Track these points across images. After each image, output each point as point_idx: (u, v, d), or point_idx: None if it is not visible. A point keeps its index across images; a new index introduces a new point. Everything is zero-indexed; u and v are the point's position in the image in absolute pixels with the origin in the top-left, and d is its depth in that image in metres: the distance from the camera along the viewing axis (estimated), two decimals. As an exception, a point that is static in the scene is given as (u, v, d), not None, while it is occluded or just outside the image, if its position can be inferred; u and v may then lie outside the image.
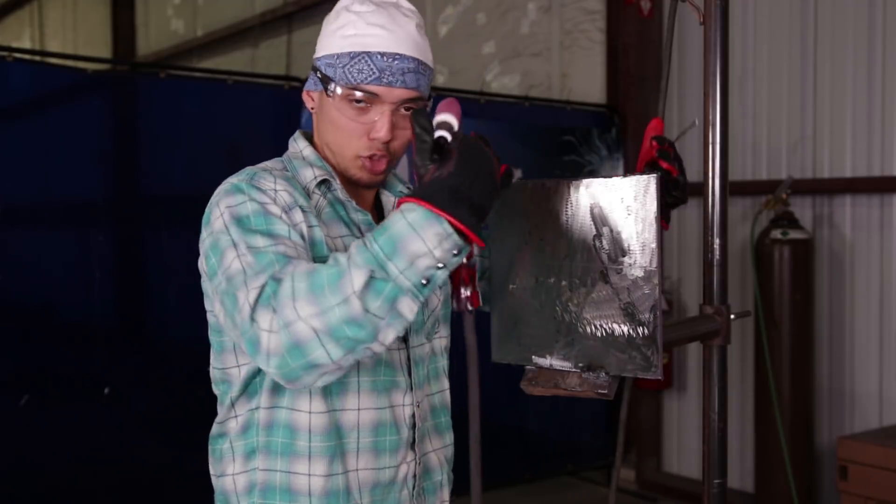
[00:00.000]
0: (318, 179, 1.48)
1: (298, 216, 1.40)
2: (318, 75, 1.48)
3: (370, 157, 1.47)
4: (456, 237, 1.18)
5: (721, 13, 1.65)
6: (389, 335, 1.22)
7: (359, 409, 1.44)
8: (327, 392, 1.43)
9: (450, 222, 1.18)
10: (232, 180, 1.43)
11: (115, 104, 4.00)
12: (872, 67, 4.31)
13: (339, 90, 1.44)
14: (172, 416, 3.84)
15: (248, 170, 1.46)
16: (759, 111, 4.76)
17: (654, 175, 1.33)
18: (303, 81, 4.14)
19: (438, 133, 1.24)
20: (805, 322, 4.27)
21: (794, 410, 4.21)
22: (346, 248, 1.44)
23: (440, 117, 1.26)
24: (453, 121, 1.25)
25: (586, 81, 5.56)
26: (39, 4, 12.52)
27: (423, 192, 1.19)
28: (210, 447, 1.53)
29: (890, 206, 4.27)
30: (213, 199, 1.42)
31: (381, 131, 1.43)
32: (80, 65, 3.99)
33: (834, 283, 4.47)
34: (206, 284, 1.44)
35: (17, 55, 3.64)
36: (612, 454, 3.36)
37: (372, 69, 1.42)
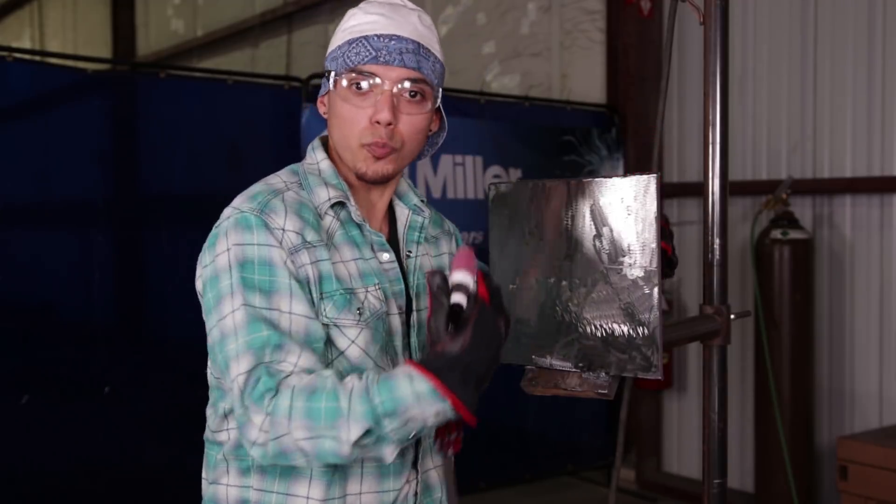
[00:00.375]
0: (333, 202, 1.46)
1: (304, 257, 1.38)
2: (326, 74, 1.49)
3: (374, 144, 1.44)
4: (452, 414, 1.24)
5: (721, 13, 1.65)
6: (366, 458, 1.32)
7: None
8: None
9: (452, 403, 1.23)
10: (243, 207, 1.40)
11: (115, 104, 4.00)
12: (872, 67, 4.31)
13: (342, 80, 1.44)
14: (172, 416, 3.83)
15: (261, 193, 1.43)
16: (759, 111, 4.76)
17: (654, 175, 1.33)
18: (303, 81, 4.16)
19: (455, 297, 1.26)
20: (805, 322, 4.27)
21: (794, 410, 4.21)
22: (358, 273, 1.44)
23: (456, 277, 1.27)
24: (469, 281, 1.27)
25: (586, 81, 5.56)
26: (39, 4, 12.52)
27: (435, 366, 1.24)
28: (205, 450, 1.52)
29: (890, 206, 4.27)
30: (221, 224, 1.41)
31: (382, 112, 1.41)
32: (80, 65, 3.99)
33: (834, 283, 4.47)
34: (201, 298, 1.44)
35: (17, 55, 3.64)
36: (612, 454, 3.36)
37: (368, 50, 1.43)
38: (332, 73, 1.46)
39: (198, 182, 3.91)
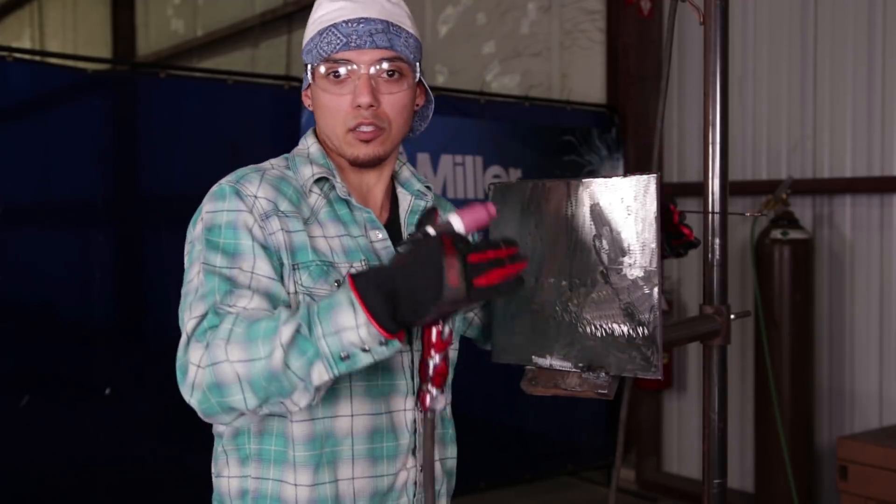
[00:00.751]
0: (316, 177, 1.48)
1: (275, 224, 1.40)
2: (304, 68, 1.51)
3: (359, 125, 1.45)
4: (373, 327, 1.17)
5: (721, 13, 1.65)
6: (302, 400, 1.24)
7: (352, 416, 1.42)
8: None
9: (361, 306, 1.17)
10: (222, 181, 1.46)
11: (115, 104, 4.00)
12: (872, 67, 4.31)
13: (319, 71, 1.46)
14: (173, 417, 3.82)
15: (243, 170, 1.48)
16: (759, 111, 4.76)
17: (654, 175, 1.33)
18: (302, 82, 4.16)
19: (429, 228, 1.21)
20: (805, 322, 4.27)
21: (794, 410, 4.21)
22: (342, 249, 1.44)
23: (449, 217, 1.23)
24: (458, 226, 1.22)
25: (586, 81, 5.56)
26: (39, 4, 12.52)
27: (362, 275, 1.20)
28: (214, 444, 1.52)
29: (890, 206, 4.27)
30: (205, 197, 1.46)
31: (362, 96, 1.43)
32: (80, 65, 3.99)
33: (834, 283, 4.47)
34: None
35: (17, 55, 3.64)
36: (612, 454, 3.36)
37: (339, 38, 1.44)
38: (310, 66, 1.48)
39: (198, 182, 3.86)
